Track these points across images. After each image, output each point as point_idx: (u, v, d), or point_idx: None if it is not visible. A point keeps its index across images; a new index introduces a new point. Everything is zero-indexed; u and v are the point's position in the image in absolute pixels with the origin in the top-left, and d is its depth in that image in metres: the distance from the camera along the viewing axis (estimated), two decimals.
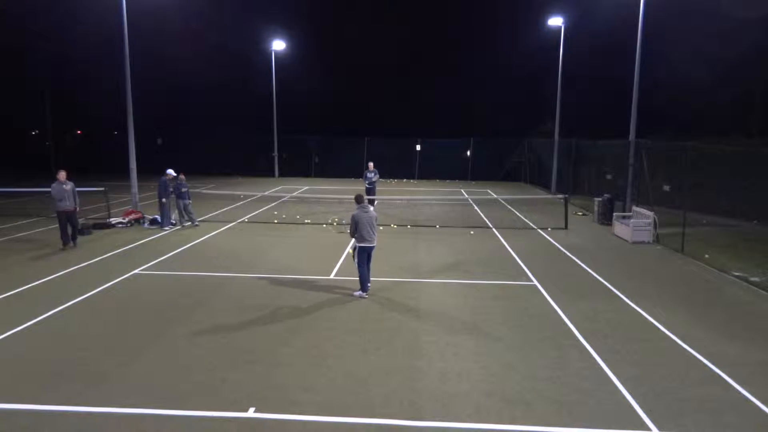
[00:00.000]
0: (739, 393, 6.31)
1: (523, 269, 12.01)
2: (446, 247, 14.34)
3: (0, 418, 5.67)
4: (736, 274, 11.65)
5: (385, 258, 12.44)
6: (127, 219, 17.18)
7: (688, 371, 6.89)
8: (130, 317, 8.73)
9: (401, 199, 23.93)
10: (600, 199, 18.41)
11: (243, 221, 18.28)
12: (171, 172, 16.69)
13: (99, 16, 30.61)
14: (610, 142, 22.26)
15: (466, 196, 26.99)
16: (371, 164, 21.49)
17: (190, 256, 13.04)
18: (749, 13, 27.00)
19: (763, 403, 6.08)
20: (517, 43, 40.14)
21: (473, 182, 35.64)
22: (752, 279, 11.20)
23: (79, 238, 14.11)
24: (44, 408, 5.85)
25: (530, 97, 39.98)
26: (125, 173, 19.75)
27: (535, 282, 10.96)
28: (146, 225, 17.02)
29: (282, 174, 37.98)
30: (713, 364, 7.07)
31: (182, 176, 16.90)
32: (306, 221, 18.32)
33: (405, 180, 36.45)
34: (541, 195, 27.46)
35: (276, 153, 37.88)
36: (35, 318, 8.53)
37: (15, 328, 8.11)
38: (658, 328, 8.37)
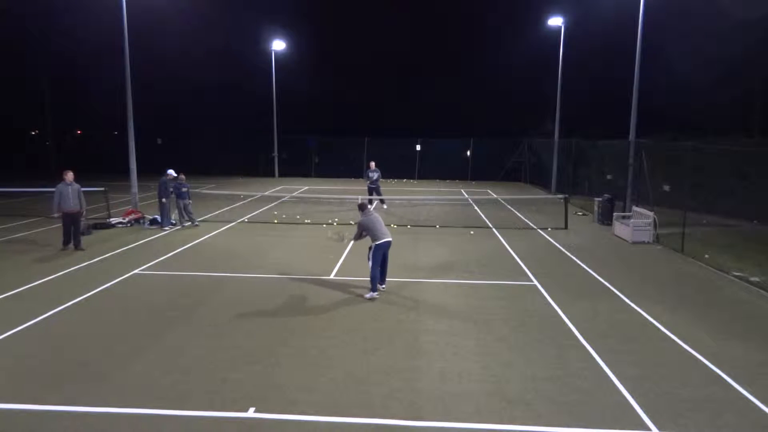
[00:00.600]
0: (739, 393, 6.31)
1: (523, 269, 12.01)
2: (446, 247, 14.34)
3: (0, 418, 5.67)
4: (736, 274, 11.64)
5: None
6: (127, 219, 17.18)
7: (688, 371, 6.89)
8: (130, 317, 8.73)
9: (401, 199, 23.93)
10: (600, 199, 18.41)
11: (243, 221, 18.28)
12: (171, 172, 16.68)
13: (99, 16, 30.58)
14: (610, 142, 22.26)
15: (466, 196, 26.99)
16: (373, 163, 21.48)
17: (190, 256, 13.04)
18: (749, 13, 27.00)
19: (763, 403, 6.08)
20: (517, 43, 40.15)
21: (473, 182, 35.64)
22: (752, 279, 11.20)
23: (80, 239, 13.97)
24: (44, 408, 5.85)
25: (530, 97, 39.96)
26: (125, 173, 19.76)
27: (535, 282, 10.95)
28: (146, 225, 17.02)
29: (282, 174, 37.98)
30: (713, 364, 7.07)
31: (182, 176, 16.90)
32: (306, 221, 18.32)
33: (405, 180, 36.45)
34: (541, 195, 27.45)
35: (276, 153, 37.88)
36: (35, 318, 8.52)
37: (15, 328, 8.11)
38: (658, 328, 8.37)
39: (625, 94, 20.04)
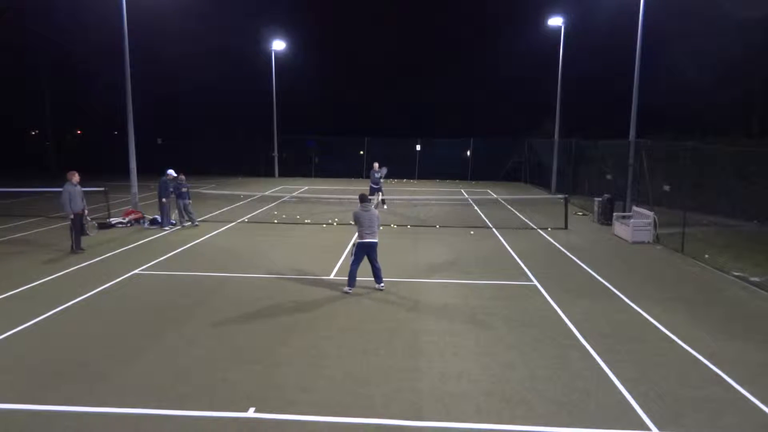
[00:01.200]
0: (739, 393, 6.31)
1: (523, 269, 12.01)
2: (446, 247, 14.34)
3: (0, 418, 5.67)
4: (736, 274, 11.64)
5: (385, 258, 12.36)
6: (127, 219, 17.18)
7: (688, 371, 6.89)
8: (130, 317, 8.72)
9: (401, 199, 23.92)
10: (600, 199, 18.41)
11: (243, 221, 18.27)
12: (171, 172, 16.67)
13: (99, 15, 30.61)
14: (610, 142, 22.25)
15: (466, 196, 26.99)
16: (377, 164, 21.43)
17: (190, 256, 13.04)
18: (749, 13, 26.99)
19: (763, 403, 6.07)
20: (517, 43, 40.16)
21: (473, 182, 35.64)
22: (752, 279, 11.20)
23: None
24: (44, 408, 5.85)
25: (530, 97, 39.98)
26: (125, 173, 19.76)
27: (535, 282, 10.95)
28: (146, 225, 17.02)
29: (282, 174, 37.98)
30: (713, 364, 7.07)
31: (182, 176, 16.90)
32: (306, 221, 18.32)
33: (405, 180, 36.45)
34: (541, 195, 27.45)
35: (276, 153, 37.89)
36: (35, 318, 8.52)
37: (15, 328, 8.11)
38: (658, 328, 8.37)
39: (625, 94, 20.05)
